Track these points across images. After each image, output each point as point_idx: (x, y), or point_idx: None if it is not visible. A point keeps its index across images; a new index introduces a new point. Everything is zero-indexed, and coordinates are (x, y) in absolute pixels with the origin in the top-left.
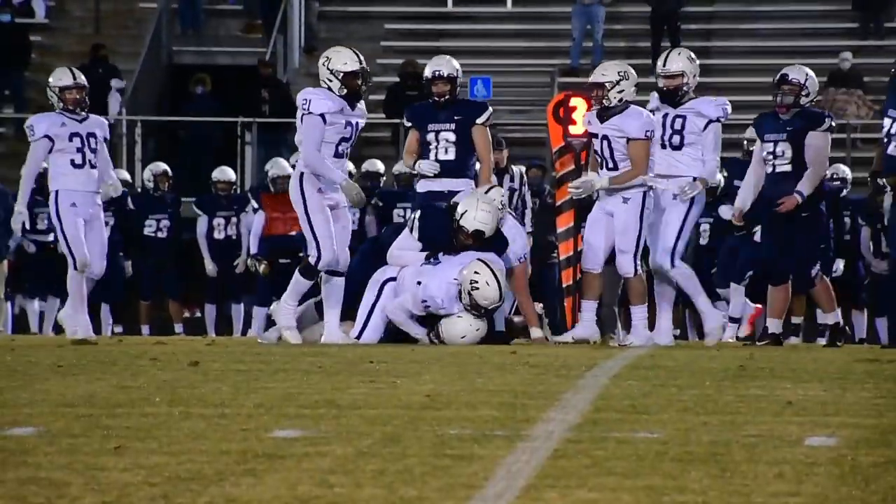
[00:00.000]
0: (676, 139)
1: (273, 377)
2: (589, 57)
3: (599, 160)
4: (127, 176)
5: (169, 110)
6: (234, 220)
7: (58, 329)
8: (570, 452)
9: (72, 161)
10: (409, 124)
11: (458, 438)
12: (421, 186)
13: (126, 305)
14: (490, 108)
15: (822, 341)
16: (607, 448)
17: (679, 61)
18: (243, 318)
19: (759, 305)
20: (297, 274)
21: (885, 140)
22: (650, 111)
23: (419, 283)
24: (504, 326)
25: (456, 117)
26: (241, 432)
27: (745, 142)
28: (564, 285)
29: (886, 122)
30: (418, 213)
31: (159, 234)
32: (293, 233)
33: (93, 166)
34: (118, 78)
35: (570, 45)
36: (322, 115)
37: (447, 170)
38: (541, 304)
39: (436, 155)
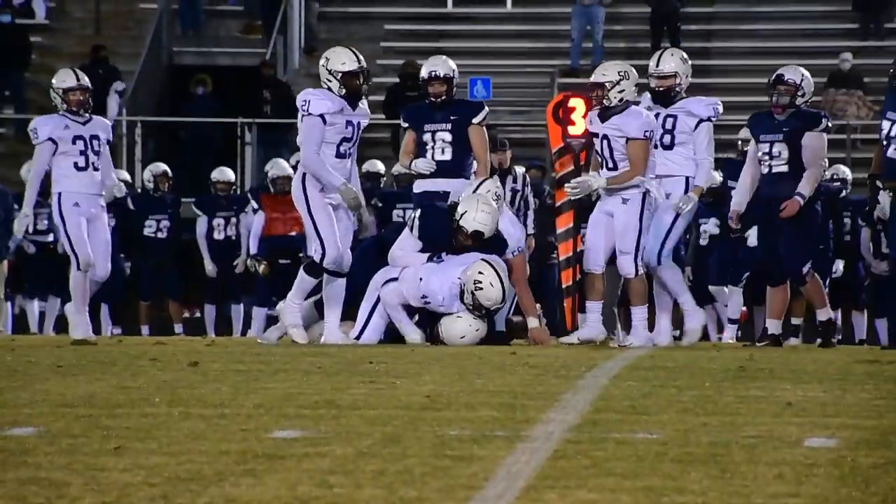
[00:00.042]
0: (667, 139)
1: (273, 377)
2: (589, 58)
3: (600, 160)
4: (127, 176)
5: (169, 111)
6: (233, 220)
7: (58, 329)
8: (570, 453)
9: (75, 164)
10: (406, 125)
11: (457, 439)
12: (417, 186)
13: (126, 306)
14: (486, 108)
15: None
16: (607, 449)
17: (672, 62)
18: (243, 319)
19: (744, 309)
20: (301, 272)
21: (885, 143)
22: None
23: (421, 279)
24: (504, 327)
25: (452, 117)
26: (241, 433)
27: (740, 142)
28: (564, 286)
29: (885, 124)
30: (419, 211)
31: (159, 235)
32: (293, 233)
33: (96, 169)
34: (119, 79)
35: (569, 45)
36: (322, 116)
37: (444, 170)
38: (539, 305)
39: (432, 155)
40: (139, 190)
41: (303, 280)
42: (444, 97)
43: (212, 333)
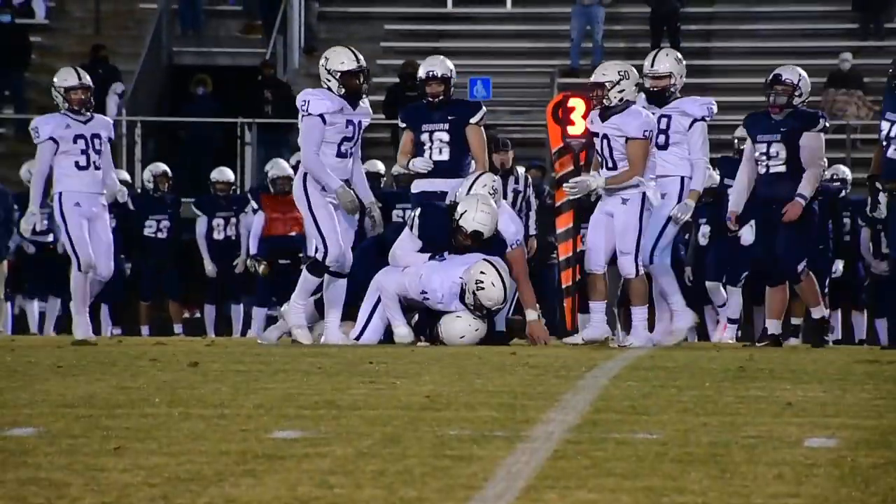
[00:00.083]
0: (661, 139)
1: (273, 378)
2: (589, 58)
3: (600, 160)
4: (127, 176)
5: (169, 111)
6: (233, 220)
7: (59, 329)
8: (570, 453)
9: (76, 163)
10: (404, 125)
11: (457, 439)
12: (416, 186)
13: (126, 306)
14: (484, 108)
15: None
16: (607, 449)
17: (667, 62)
18: (243, 319)
19: (728, 324)
20: (304, 272)
21: (885, 143)
22: None
23: (422, 275)
24: (504, 327)
25: (450, 117)
26: (241, 433)
27: (736, 140)
28: (564, 286)
29: (885, 125)
30: (418, 210)
31: (159, 235)
32: (293, 233)
33: (97, 167)
34: (118, 79)
35: (569, 45)
36: (321, 116)
37: (442, 170)
38: (538, 305)
39: (430, 155)
40: (139, 190)
41: (306, 280)
42: (441, 97)
43: (212, 334)
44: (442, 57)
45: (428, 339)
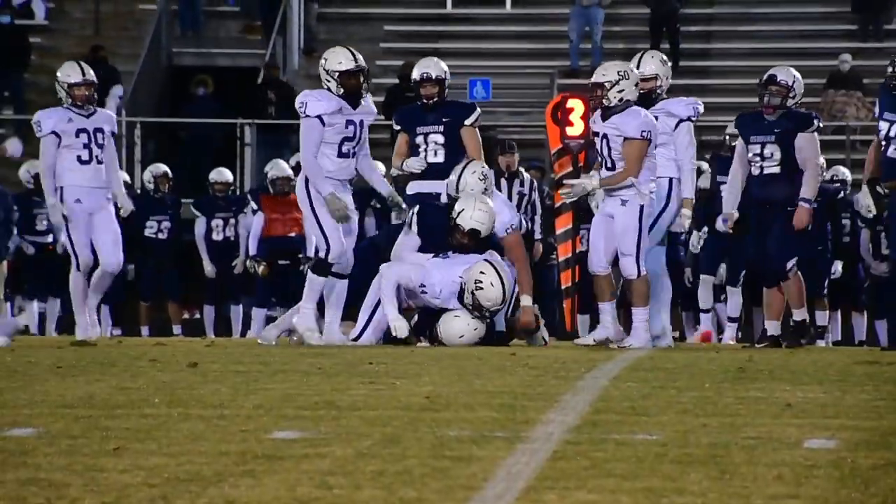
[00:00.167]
0: None
1: (272, 378)
2: (588, 59)
3: (601, 160)
4: (127, 177)
5: (169, 112)
6: (232, 221)
7: (60, 330)
8: (570, 454)
9: (78, 157)
10: (398, 127)
11: (457, 440)
12: (411, 188)
13: (126, 306)
14: (478, 110)
15: (823, 342)
16: (606, 450)
17: (652, 64)
18: (242, 320)
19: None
20: (309, 273)
21: (884, 143)
22: None
23: (424, 268)
24: (504, 327)
25: (444, 119)
26: (241, 433)
27: (727, 137)
28: (563, 287)
29: (883, 125)
30: (416, 208)
31: (160, 236)
32: (292, 234)
33: (99, 162)
34: (118, 80)
35: (568, 46)
36: (319, 117)
37: (437, 171)
38: (537, 306)
39: (425, 157)
40: (139, 191)
41: (311, 281)
42: (436, 99)
43: (211, 334)
44: (436, 58)
45: (427, 340)
